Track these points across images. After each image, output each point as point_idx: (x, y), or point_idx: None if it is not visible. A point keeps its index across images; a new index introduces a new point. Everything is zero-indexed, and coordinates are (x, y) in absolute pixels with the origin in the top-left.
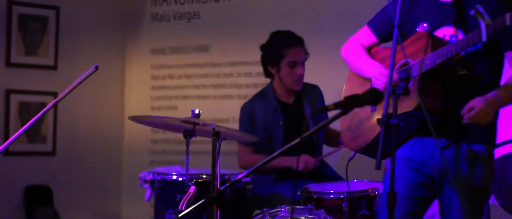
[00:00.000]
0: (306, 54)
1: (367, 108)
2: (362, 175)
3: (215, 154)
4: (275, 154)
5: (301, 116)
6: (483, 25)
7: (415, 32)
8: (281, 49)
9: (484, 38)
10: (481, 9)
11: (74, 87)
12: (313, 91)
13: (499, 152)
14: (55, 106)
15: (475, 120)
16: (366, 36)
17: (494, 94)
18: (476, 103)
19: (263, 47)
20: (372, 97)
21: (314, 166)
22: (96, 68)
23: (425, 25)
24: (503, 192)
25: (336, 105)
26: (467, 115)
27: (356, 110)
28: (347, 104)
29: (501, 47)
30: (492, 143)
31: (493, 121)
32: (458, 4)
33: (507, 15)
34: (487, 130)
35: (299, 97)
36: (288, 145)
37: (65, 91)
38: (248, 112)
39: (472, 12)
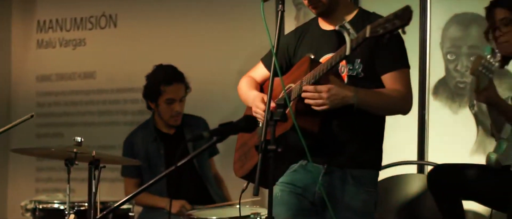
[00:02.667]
0: (187, 89)
1: (256, 136)
2: (255, 201)
3: (91, 181)
4: (148, 183)
5: (184, 147)
6: (348, 40)
7: None
8: (159, 86)
9: (348, 52)
10: (347, 25)
11: None
12: (197, 123)
13: (383, 175)
14: None
15: (315, 97)
16: (259, 70)
17: (356, 87)
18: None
19: (147, 78)
20: (246, 124)
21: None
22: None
23: (311, 55)
24: (387, 214)
25: (211, 133)
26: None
27: (246, 139)
28: (222, 132)
29: (378, 70)
30: (375, 168)
31: (376, 145)
32: (340, 31)
33: (367, 27)
34: (369, 155)
35: (180, 129)
36: (165, 173)
37: None
38: (129, 144)
39: (337, 28)
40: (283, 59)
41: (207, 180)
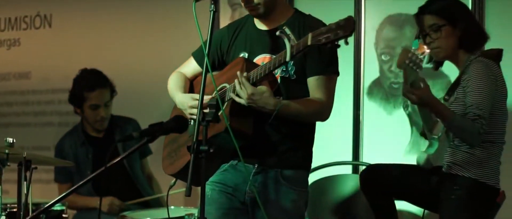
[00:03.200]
0: (113, 93)
1: (186, 134)
2: (187, 202)
3: (21, 182)
4: (78, 185)
5: (114, 148)
6: (288, 46)
7: None
8: (82, 93)
9: (288, 58)
10: (288, 31)
11: None
12: (127, 124)
13: (318, 175)
14: None
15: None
16: (190, 65)
17: (281, 98)
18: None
19: (73, 82)
20: (176, 125)
21: (119, 210)
22: None
23: (245, 53)
24: (321, 214)
25: (141, 133)
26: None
27: (176, 136)
28: (152, 132)
29: (306, 73)
30: (305, 168)
31: (306, 146)
32: (275, 31)
33: (309, 35)
34: (299, 155)
35: (110, 131)
36: (94, 174)
37: None
38: (59, 150)
39: (278, 33)
40: (215, 54)
41: (138, 180)
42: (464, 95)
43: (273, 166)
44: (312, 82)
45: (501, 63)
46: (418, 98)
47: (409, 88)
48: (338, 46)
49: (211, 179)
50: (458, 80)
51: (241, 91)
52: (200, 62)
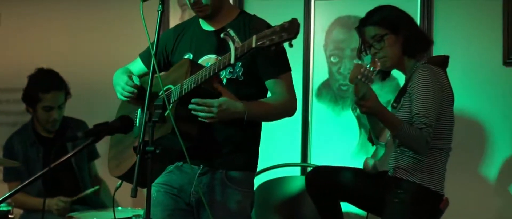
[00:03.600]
0: (67, 95)
1: (132, 136)
2: (135, 203)
3: None
4: (23, 183)
5: (62, 149)
6: (232, 48)
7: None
8: (37, 93)
9: (232, 60)
10: (232, 33)
11: None
12: (77, 125)
13: (266, 177)
14: None
15: (205, 111)
16: (137, 65)
17: (247, 102)
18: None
19: (29, 79)
20: (121, 125)
21: (63, 210)
22: None
23: (190, 54)
24: (268, 215)
25: (86, 134)
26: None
27: (122, 137)
28: (97, 132)
29: (261, 76)
30: (250, 169)
31: (252, 147)
32: (221, 32)
33: (253, 38)
34: (245, 156)
35: (61, 132)
36: (39, 173)
37: None
38: (8, 147)
39: (222, 35)
40: (161, 55)
41: (84, 183)
42: (410, 102)
43: (219, 167)
44: (272, 84)
45: (451, 63)
46: (366, 108)
47: (358, 100)
48: (289, 45)
49: (156, 180)
50: (404, 87)
51: (208, 109)
52: (146, 62)
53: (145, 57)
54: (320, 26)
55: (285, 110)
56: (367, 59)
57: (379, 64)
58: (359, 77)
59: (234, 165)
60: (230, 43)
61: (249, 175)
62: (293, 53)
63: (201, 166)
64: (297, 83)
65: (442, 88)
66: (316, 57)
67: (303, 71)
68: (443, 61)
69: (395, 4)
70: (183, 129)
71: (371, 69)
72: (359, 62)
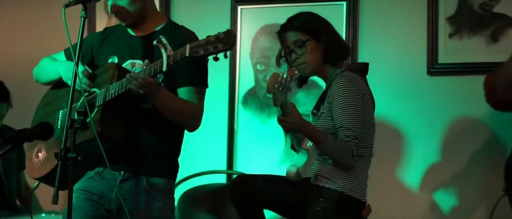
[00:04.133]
0: (8, 106)
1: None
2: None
3: None
4: None
5: None
6: (165, 56)
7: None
8: None
9: (164, 68)
10: (164, 40)
11: None
12: (8, 132)
13: (192, 184)
14: None
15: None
16: (60, 57)
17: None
18: None
19: None
20: (41, 131)
21: None
22: None
23: (115, 57)
24: None
25: (5, 140)
26: None
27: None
28: (17, 139)
29: (177, 83)
30: (172, 178)
31: (173, 155)
32: (148, 38)
33: (187, 46)
34: (166, 164)
35: None
36: None
37: None
38: None
39: (155, 43)
40: (86, 55)
41: (10, 193)
42: (330, 110)
43: (140, 173)
44: (184, 92)
45: (376, 71)
46: (289, 124)
47: (280, 117)
48: (217, 59)
49: (76, 186)
50: (324, 94)
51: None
52: (68, 58)
53: (68, 54)
54: (246, 33)
55: (194, 114)
56: (284, 67)
57: (296, 72)
58: (276, 86)
59: (156, 172)
60: (162, 50)
61: (170, 183)
62: (219, 61)
63: (122, 172)
64: (223, 90)
65: (363, 97)
66: (242, 64)
67: (229, 79)
68: (363, 68)
69: (321, 11)
70: (108, 133)
71: (288, 78)
72: (279, 71)
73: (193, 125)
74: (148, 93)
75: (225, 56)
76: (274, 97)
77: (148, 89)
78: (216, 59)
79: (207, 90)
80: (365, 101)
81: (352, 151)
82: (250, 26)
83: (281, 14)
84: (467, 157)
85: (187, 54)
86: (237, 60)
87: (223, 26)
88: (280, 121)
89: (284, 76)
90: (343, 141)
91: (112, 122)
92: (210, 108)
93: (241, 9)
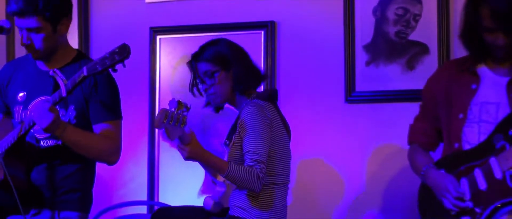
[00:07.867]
0: None
1: None
2: None
3: None
4: None
5: None
6: (62, 83)
7: (16, 100)
8: None
9: (64, 94)
10: (57, 71)
11: None
12: None
13: (110, 216)
14: None
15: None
16: None
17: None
18: None
19: None
20: None
21: None
22: None
23: (24, 93)
24: None
25: None
26: None
27: None
28: None
29: (91, 120)
30: (83, 210)
31: (85, 187)
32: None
33: (84, 68)
34: (79, 197)
35: None
36: None
37: None
38: None
39: (50, 74)
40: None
41: None
42: (241, 139)
43: (50, 207)
44: (98, 129)
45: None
46: (187, 153)
47: (179, 144)
48: (116, 70)
49: None
50: (235, 124)
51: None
52: None
53: None
54: (165, 63)
55: (109, 149)
56: (172, 103)
57: (185, 104)
58: (165, 121)
59: (67, 206)
60: (58, 79)
61: (83, 216)
62: (140, 90)
63: (31, 212)
64: (144, 120)
65: (271, 123)
66: (162, 93)
67: (150, 108)
68: (272, 95)
69: (239, 39)
70: (13, 179)
71: (179, 111)
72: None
73: (111, 160)
74: (52, 132)
75: (123, 65)
76: (167, 131)
77: (51, 128)
78: (114, 70)
79: (127, 118)
80: (274, 128)
81: (258, 174)
82: (169, 56)
83: (201, 43)
84: (388, 184)
85: (85, 74)
86: (157, 88)
87: (142, 55)
88: (179, 149)
89: (173, 110)
90: (248, 166)
91: (14, 168)
92: (131, 138)
93: (159, 38)
